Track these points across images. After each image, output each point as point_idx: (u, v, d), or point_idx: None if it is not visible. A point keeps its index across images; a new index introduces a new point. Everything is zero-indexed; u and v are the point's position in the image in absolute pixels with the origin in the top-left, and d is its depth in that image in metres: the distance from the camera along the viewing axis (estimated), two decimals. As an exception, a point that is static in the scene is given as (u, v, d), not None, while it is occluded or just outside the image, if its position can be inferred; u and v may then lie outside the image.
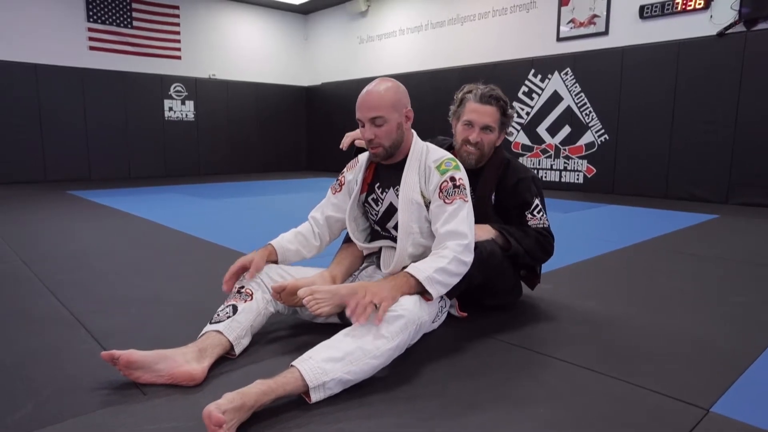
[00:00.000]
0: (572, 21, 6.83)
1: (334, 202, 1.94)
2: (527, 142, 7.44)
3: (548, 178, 7.23)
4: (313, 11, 10.83)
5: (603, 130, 6.62)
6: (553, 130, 7.15)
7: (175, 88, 9.29)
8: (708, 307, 2.19)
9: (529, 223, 1.95)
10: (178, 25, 9.34)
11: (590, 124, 6.75)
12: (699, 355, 1.66)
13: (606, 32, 6.52)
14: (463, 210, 1.63)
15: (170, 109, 9.30)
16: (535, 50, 7.24)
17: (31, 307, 2.08)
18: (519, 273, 2.09)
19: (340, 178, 1.95)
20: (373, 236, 1.94)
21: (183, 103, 9.42)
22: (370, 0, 9.61)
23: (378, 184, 1.82)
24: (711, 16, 5.65)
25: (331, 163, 10.70)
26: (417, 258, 1.72)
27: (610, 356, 1.64)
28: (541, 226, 1.97)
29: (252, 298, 1.67)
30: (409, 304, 1.52)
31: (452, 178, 1.66)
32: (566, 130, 7.00)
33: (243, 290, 1.69)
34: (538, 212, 1.99)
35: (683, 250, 3.30)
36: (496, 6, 7.69)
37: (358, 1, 9.58)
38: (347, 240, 2.01)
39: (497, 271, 1.86)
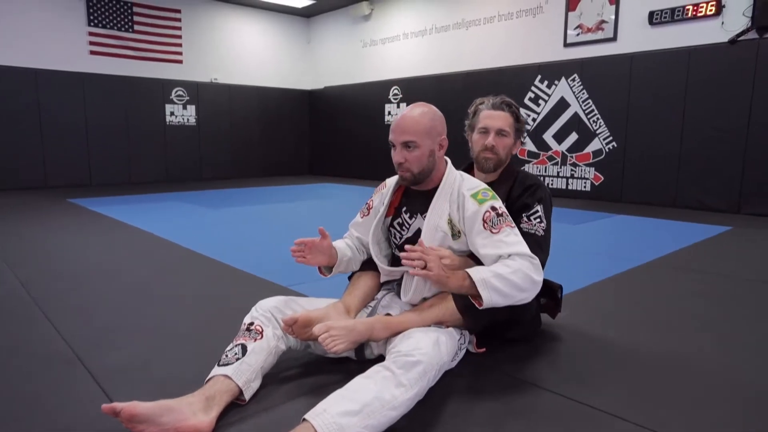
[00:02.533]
0: (580, 26, 6.74)
1: (361, 224, 1.92)
2: (533, 148, 7.35)
3: (555, 186, 7.13)
4: (316, 14, 10.74)
5: (611, 137, 6.53)
6: (560, 137, 7.06)
7: (176, 92, 9.21)
8: (736, 335, 2.10)
9: (522, 226, 1.85)
10: (179, 29, 9.26)
11: (598, 131, 6.65)
12: (735, 398, 1.57)
13: (614, 38, 6.42)
14: (513, 235, 1.62)
15: (172, 113, 9.21)
16: (541, 56, 7.14)
17: (28, 340, 1.99)
18: (539, 301, 2.01)
19: (368, 201, 1.93)
20: (393, 263, 1.86)
21: (184, 107, 9.34)
22: (373, 4, 9.52)
23: (405, 208, 1.79)
24: (722, 23, 5.56)
25: (334, 168, 10.62)
26: (436, 289, 1.66)
27: (640, 401, 1.54)
28: (533, 232, 1.86)
29: (262, 336, 1.58)
30: (428, 347, 1.45)
31: (493, 208, 1.64)
32: (573, 136, 6.91)
33: (253, 327, 1.61)
34: (535, 218, 1.88)
35: (702, 269, 3.21)
36: (501, 11, 7.60)
37: (362, 4, 9.49)
38: (360, 267, 1.94)
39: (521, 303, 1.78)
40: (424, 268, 1.49)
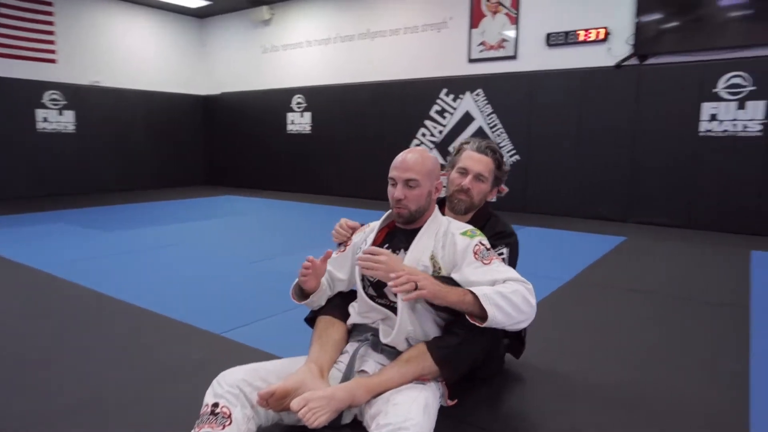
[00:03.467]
0: (483, 43, 7.01)
1: (336, 259, 1.87)
2: (441, 160, 7.52)
3: (462, 196, 7.35)
4: (212, 16, 10.13)
5: (514, 150, 6.87)
6: (465, 149, 7.28)
7: (50, 96, 8.17)
8: (676, 357, 2.24)
9: None
10: (51, 23, 8.22)
11: (501, 145, 6.97)
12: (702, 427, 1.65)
13: (515, 56, 6.76)
14: (503, 266, 1.66)
15: (44, 119, 8.16)
16: (447, 70, 7.33)
17: None
18: (503, 342, 1.99)
19: (347, 241, 1.91)
20: (363, 307, 1.74)
21: (60, 113, 8.31)
22: (274, 9, 9.18)
23: (388, 245, 1.75)
24: (609, 48, 6.07)
25: (234, 179, 10.10)
26: (418, 327, 1.62)
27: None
28: None
29: (231, 421, 1.37)
30: (418, 415, 1.38)
31: (482, 243, 1.68)
32: (478, 149, 7.16)
33: (219, 410, 1.39)
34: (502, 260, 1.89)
35: (620, 285, 3.43)
36: (407, 23, 7.68)
37: (261, 9, 9.11)
38: (321, 312, 1.82)
39: (497, 338, 1.78)
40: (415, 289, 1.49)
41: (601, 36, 6.07)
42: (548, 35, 6.44)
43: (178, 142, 10.05)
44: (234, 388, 1.44)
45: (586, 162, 6.35)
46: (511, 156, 6.90)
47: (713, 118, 5.52)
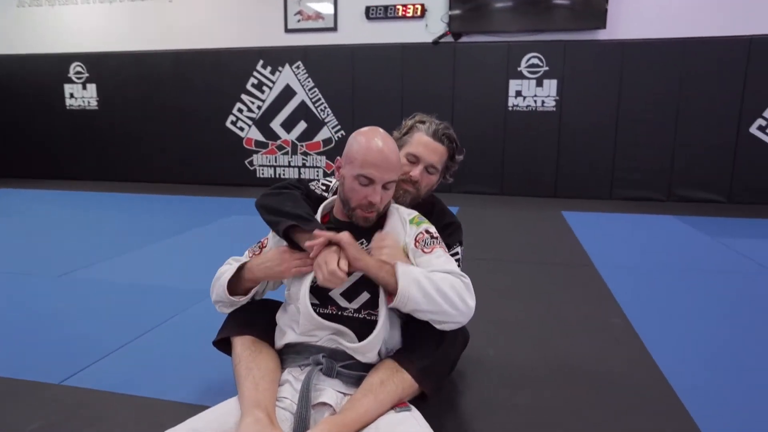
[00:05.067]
0: (300, 13, 6.61)
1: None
2: (261, 138, 6.99)
3: (288, 176, 6.98)
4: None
5: (339, 126, 6.72)
6: (288, 126, 6.89)
7: None
8: (562, 322, 2.33)
9: None
10: None
11: (326, 120, 6.75)
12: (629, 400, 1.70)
13: (335, 28, 6.54)
14: (445, 256, 1.45)
15: None
16: (263, 40, 6.76)
17: None
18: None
19: (262, 240, 1.60)
20: (307, 324, 1.39)
21: None
22: (31, -48, 7.34)
23: None
24: (426, 25, 6.25)
25: (2, 168, 8.00)
26: (392, 334, 1.42)
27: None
28: None
29: None
30: None
31: (427, 231, 1.49)
32: (302, 125, 6.83)
33: None
34: (456, 261, 1.71)
35: (468, 255, 3.54)
36: (213, -15, 6.85)
37: (13, -50, 7.20)
38: (234, 331, 1.44)
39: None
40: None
41: (419, 12, 6.21)
42: (367, 8, 6.35)
43: None
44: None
45: (409, 136, 6.51)
46: (336, 132, 6.74)
47: (518, 94, 6.12)
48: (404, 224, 1.49)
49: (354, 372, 1.33)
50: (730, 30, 5.54)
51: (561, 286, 2.89)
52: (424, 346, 1.35)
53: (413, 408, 1.29)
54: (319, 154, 6.86)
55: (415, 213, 1.54)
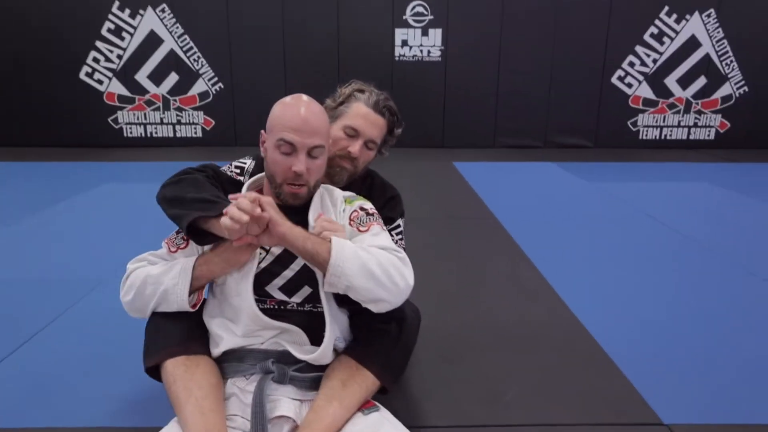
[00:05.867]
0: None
1: (186, 254, 1.30)
2: (125, 92, 6.18)
3: (161, 134, 6.30)
4: None
5: (216, 78, 6.16)
6: (157, 78, 6.16)
7: None
8: (483, 279, 2.39)
9: None
10: None
11: (201, 71, 6.14)
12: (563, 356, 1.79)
13: (204, -33, 5.85)
14: (384, 234, 1.30)
15: None
16: (117, -23, 5.85)
17: None
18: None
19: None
20: (252, 324, 1.23)
21: None
22: None
23: None
24: (307, -34, 5.83)
25: None
26: (342, 327, 1.30)
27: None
28: None
29: None
30: None
31: (362, 208, 1.34)
32: (173, 77, 6.15)
33: None
34: (398, 234, 1.61)
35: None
36: None
37: None
38: (158, 351, 1.22)
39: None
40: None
41: (298, -49, 5.77)
42: (240, -56, 5.76)
43: None
44: None
45: (293, 88, 6.16)
46: (213, 85, 6.17)
47: (404, 43, 6.03)
48: (335, 203, 1.36)
49: (309, 374, 1.20)
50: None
51: (472, 242, 2.95)
52: (383, 339, 1.25)
53: (381, 407, 1.20)
54: (195, 109, 6.27)
55: (346, 194, 1.40)
